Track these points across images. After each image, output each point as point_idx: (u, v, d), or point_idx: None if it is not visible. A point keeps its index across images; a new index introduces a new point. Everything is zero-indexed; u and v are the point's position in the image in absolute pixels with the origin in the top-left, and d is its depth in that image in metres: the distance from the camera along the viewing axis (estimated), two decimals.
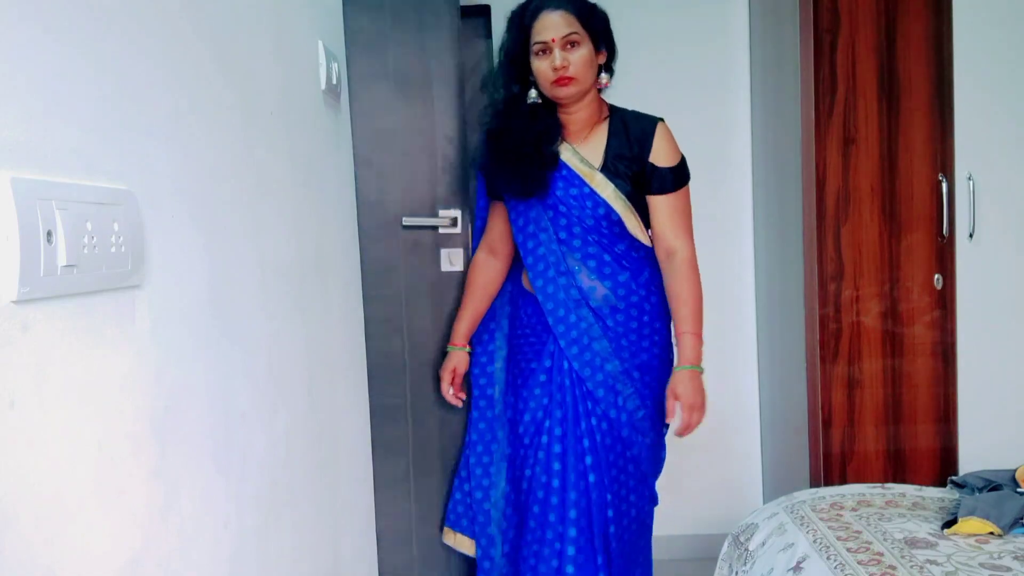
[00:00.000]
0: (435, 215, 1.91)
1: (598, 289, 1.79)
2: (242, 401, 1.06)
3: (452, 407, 1.91)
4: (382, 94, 1.81)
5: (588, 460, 1.78)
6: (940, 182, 2.20)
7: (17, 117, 0.62)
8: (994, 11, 2.18)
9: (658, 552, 2.49)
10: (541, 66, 1.72)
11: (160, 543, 0.81)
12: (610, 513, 1.78)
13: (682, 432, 1.74)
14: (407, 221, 1.86)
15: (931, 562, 1.51)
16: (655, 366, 1.85)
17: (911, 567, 1.50)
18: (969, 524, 1.66)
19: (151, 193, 0.82)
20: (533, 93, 1.78)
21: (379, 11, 1.75)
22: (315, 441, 1.40)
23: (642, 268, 1.82)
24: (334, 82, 1.59)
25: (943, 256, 2.21)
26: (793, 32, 2.34)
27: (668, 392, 1.75)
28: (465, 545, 1.91)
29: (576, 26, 1.70)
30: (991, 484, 1.92)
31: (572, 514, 1.77)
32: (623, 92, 2.80)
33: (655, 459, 1.88)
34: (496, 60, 1.84)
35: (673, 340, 1.87)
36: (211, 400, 0.96)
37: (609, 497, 1.79)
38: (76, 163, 0.70)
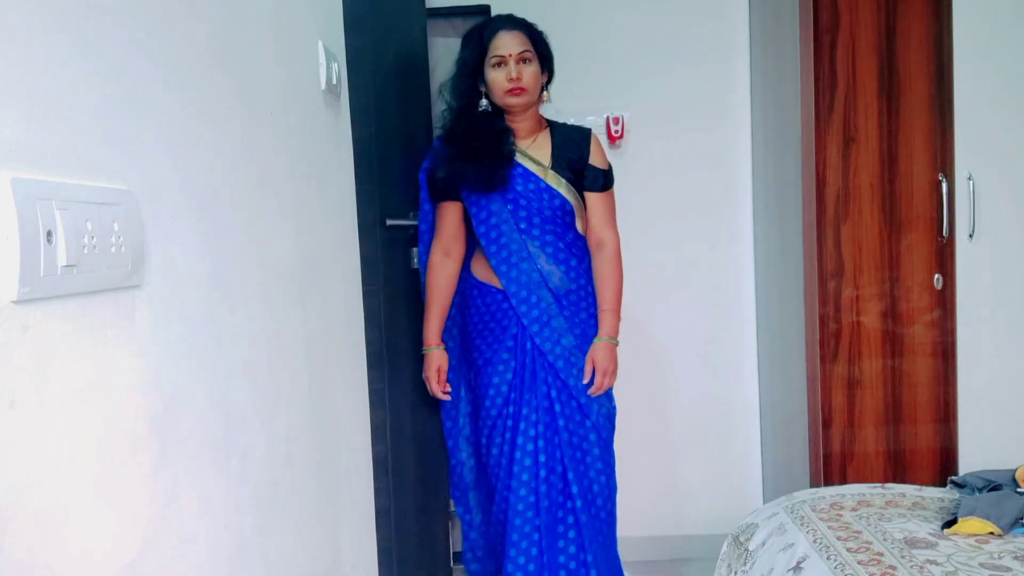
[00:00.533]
0: (407, 216, 2.10)
1: (555, 273, 2.04)
2: (242, 401, 1.06)
3: (423, 395, 2.14)
4: (365, 100, 1.86)
5: (540, 428, 2.03)
6: (940, 182, 2.20)
7: (17, 117, 0.62)
8: (994, 11, 2.18)
9: (658, 552, 2.50)
10: (497, 76, 1.99)
11: (160, 543, 0.81)
12: (571, 476, 2.01)
13: (593, 392, 2.00)
14: (390, 222, 1.95)
15: (931, 562, 1.51)
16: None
17: (911, 567, 1.50)
18: (969, 524, 1.66)
19: (151, 193, 0.82)
20: (484, 102, 2.04)
21: (363, 25, 1.81)
22: (315, 441, 1.40)
23: (584, 256, 2.10)
24: (334, 82, 1.59)
25: (943, 256, 2.21)
26: (793, 32, 2.34)
27: (588, 358, 2.02)
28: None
29: (528, 45, 2.00)
30: (991, 484, 1.92)
31: (526, 476, 2.02)
32: (624, 92, 2.81)
33: (610, 423, 2.10)
34: (454, 72, 2.07)
35: None
36: (211, 400, 0.96)
37: (567, 461, 2.02)
38: (76, 163, 0.70)
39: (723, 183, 2.85)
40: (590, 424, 2.04)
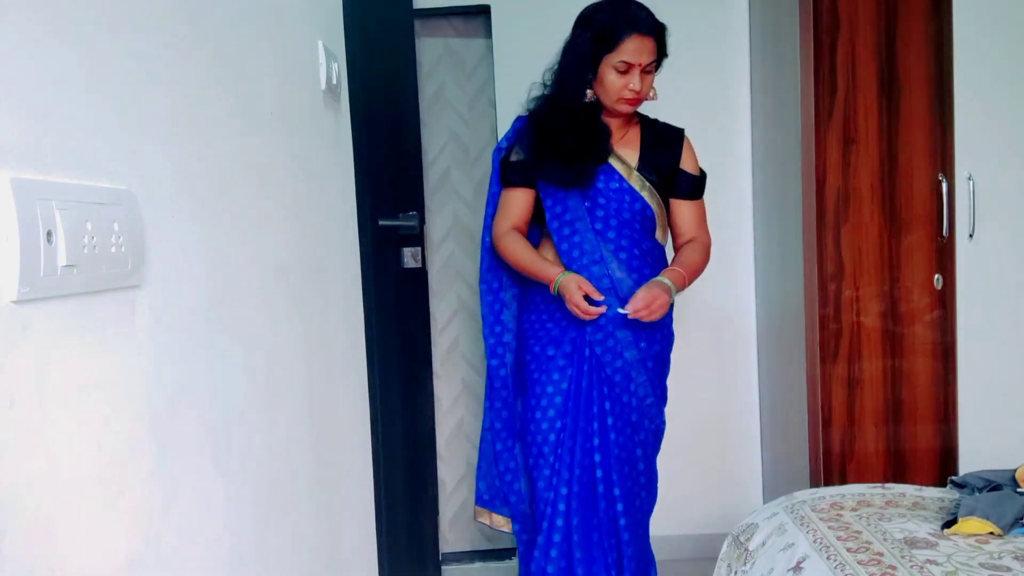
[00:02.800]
0: (396, 217, 2.08)
1: (625, 281, 1.91)
2: (242, 401, 1.06)
3: (413, 392, 2.12)
4: (354, 102, 1.87)
5: (596, 441, 1.92)
6: (940, 182, 2.20)
7: (17, 117, 0.62)
8: (994, 11, 2.18)
9: (658, 552, 2.49)
10: (616, 82, 1.85)
11: (160, 543, 0.81)
12: (616, 492, 1.92)
13: (629, 309, 1.82)
14: (383, 223, 1.96)
15: (931, 562, 1.51)
16: (663, 359, 2.00)
17: (911, 567, 1.49)
18: (969, 524, 1.66)
19: (151, 193, 0.82)
20: (590, 93, 1.90)
21: (351, 28, 1.83)
22: (315, 441, 1.40)
23: (658, 267, 1.96)
24: (334, 82, 1.59)
25: (943, 256, 2.21)
26: (793, 32, 2.34)
27: (641, 289, 1.84)
28: (500, 523, 2.09)
29: (655, 55, 1.87)
30: (991, 484, 1.92)
31: (564, 491, 1.93)
32: None
33: (657, 443, 2.03)
34: (562, 57, 1.92)
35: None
36: (211, 400, 0.96)
37: (615, 477, 1.92)
38: (76, 163, 0.70)
39: (723, 183, 2.84)
40: (638, 440, 1.96)
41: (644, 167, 1.94)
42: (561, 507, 1.92)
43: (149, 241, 0.81)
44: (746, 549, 1.87)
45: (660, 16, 2.92)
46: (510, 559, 2.90)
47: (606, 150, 1.92)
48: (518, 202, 1.98)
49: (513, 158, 1.96)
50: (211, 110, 1.00)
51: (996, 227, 2.21)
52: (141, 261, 0.79)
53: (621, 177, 1.92)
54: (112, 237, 0.73)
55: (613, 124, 1.95)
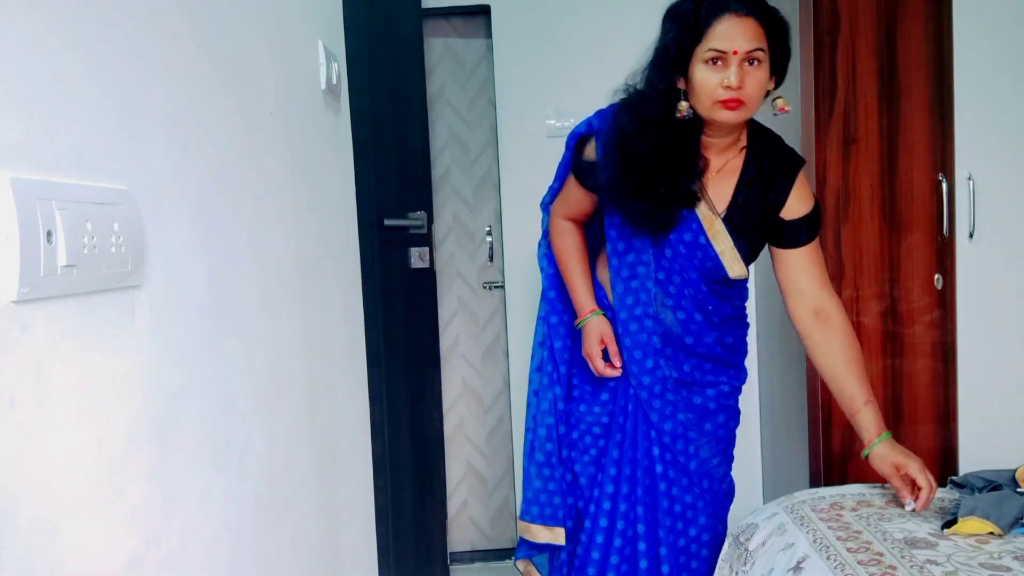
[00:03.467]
0: (404, 216, 2.05)
1: (680, 341, 1.63)
2: (242, 401, 1.06)
3: (420, 393, 2.01)
4: (361, 101, 1.87)
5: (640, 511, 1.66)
6: (940, 182, 2.20)
7: (17, 117, 0.62)
8: (994, 11, 2.18)
9: None
10: (708, 78, 1.42)
11: (160, 543, 0.81)
12: (665, 570, 1.68)
13: (926, 504, 1.54)
14: (388, 222, 1.95)
15: (931, 562, 1.51)
16: (722, 417, 1.76)
17: (911, 567, 1.49)
18: (969, 524, 1.66)
19: (151, 193, 0.82)
20: (684, 105, 1.46)
21: (356, 26, 1.81)
22: (315, 441, 1.40)
23: (730, 330, 1.66)
24: (334, 82, 1.59)
25: (943, 256, 2.21)
26: (793, 33, 2.34)
27: (891, 470, 1.55)
28: (560, 536, 1.72)
29: (763, 41, 1.43)
30: (991, 484, 1.92)
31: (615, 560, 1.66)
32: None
33: (728, 500, 1.81)
34: (649, 59, 1.53)
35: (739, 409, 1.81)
36: (211, 400, 0.96)
37: (664, 552, 1.66)
38: (76, 163, 0.70)
39: None
40: (707, 498, 1.71)
41: (731, 217, 1.55)
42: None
43: (149, 241, 0.81)
44: (746, 549, 1.87)
45: (660, 16, 2.92)
46: (509, 559, 2.90)
47: (694, 195, 1.52)
48: (580, 201, 1.65)
49: (588, 156, 1.59)
50: (211, 110, 1.00)
51: (996, 227, 2.21)
52: (141, 261, 0.79)
53: (700, 227, 1.53)
54: (112, 237, 0.73)
55: (715, 148, 1.54)
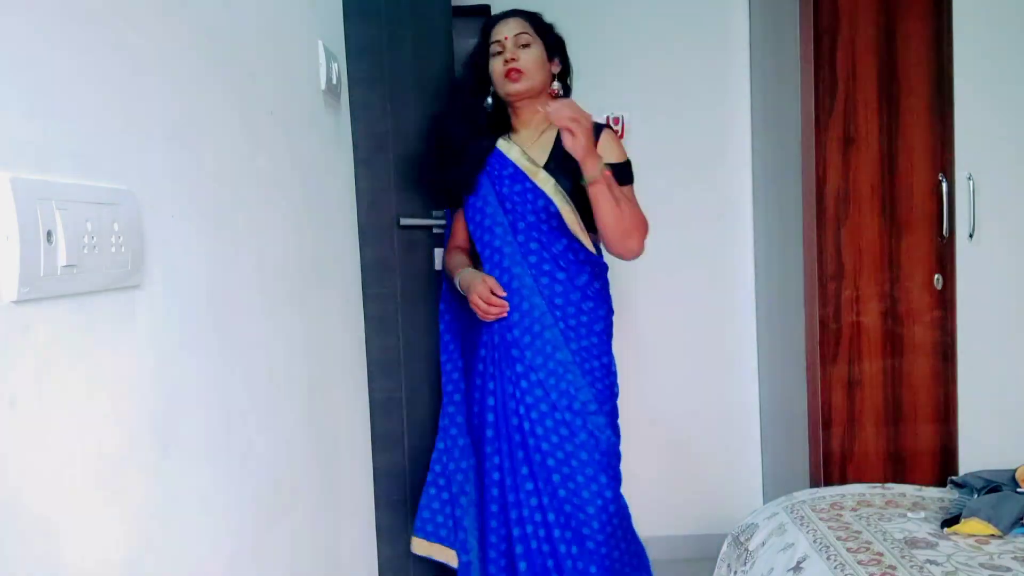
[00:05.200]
0: (428, 215, 1.98)
1: (541, 284, 1.86)
2: (242, 401, 1.06)
3: (437, 401, 1.99)
4: (378, 96, 1.83)
5: (524, 470, 1.85)
6: (940, 182, 2.20)
7: (17, 117, 0.62)
8: (994, 11, 2.18)
9: (658, 552, 2.49)
10: (496, 64, 1.88)
11: (160, 543, 0.81)
12: (551, 517, 1.83)
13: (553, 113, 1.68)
14: (405, 221, 1.89)
15: (931, 562, 1.51)
16: (597, 370, 1.87)
17: (911, 567, 1.50)
18: (970, 525, 1.66)
19: (151, 193, 0.82)
20: (488, 100, 1.92)
21: (376, 17, 1.78)
22: (315, 441, 1.40)
23: (580, 272, 1.87)
24: (334, 82, 1.59)
25: (943, 256, 2.21)
26: (793, 32, 2.34)
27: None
28: (446, 555, 1.89)
29: (527, 28, 1.88)
30: (991, 484, 1.92)
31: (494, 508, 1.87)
32: (623, 92, 2.81)
33: (612, 449, 1.85)
34: (460, 73, 1.99)
35: (611, 354, 1.92)
36: (211, 400, 0.96)
37: (545, 500, 1.83)
38: (76, 163, 0.70)
39: (723, 184, 2.85)
40: (579, 442, 1.81)
41: (553, 164, 1.85)
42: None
43: (149, 241, 0.81)
44: (746, 549, 1.87)
45: (660, 16, 2.92)
46: None
47: (480, 153, 1.90)
48: (457, 223, 2.00)
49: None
50: (211, 110, 1.00)
51: (996, 227, 2.21)
52: (141, 261, 0.79)
53: (525, 177, 1.87)
54: (112, 237, 0.73)
55: (527, 124, 1.93)
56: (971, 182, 2.19)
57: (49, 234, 0.64)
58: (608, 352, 1.91)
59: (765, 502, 2.74)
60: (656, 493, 2.84)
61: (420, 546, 1.90)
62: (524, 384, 1.84)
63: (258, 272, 1.15)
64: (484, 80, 1.92)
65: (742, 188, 2.84)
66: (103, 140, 0.74)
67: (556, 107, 1.68)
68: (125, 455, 0.75)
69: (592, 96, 2.82)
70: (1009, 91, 2.20)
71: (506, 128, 1.96)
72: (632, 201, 1.83)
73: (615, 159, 1.83)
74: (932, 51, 2.19)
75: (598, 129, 1.84)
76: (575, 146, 1.66)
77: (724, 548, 2.02)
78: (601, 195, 1.72)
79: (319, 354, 1.44)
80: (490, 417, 1.89)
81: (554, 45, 1.93)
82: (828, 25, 2.20)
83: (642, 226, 1.80)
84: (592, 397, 1.83)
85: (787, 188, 2.45)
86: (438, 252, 2.06)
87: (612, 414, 1.88)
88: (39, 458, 0.63)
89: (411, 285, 1.91)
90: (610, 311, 1.93)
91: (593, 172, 1.70)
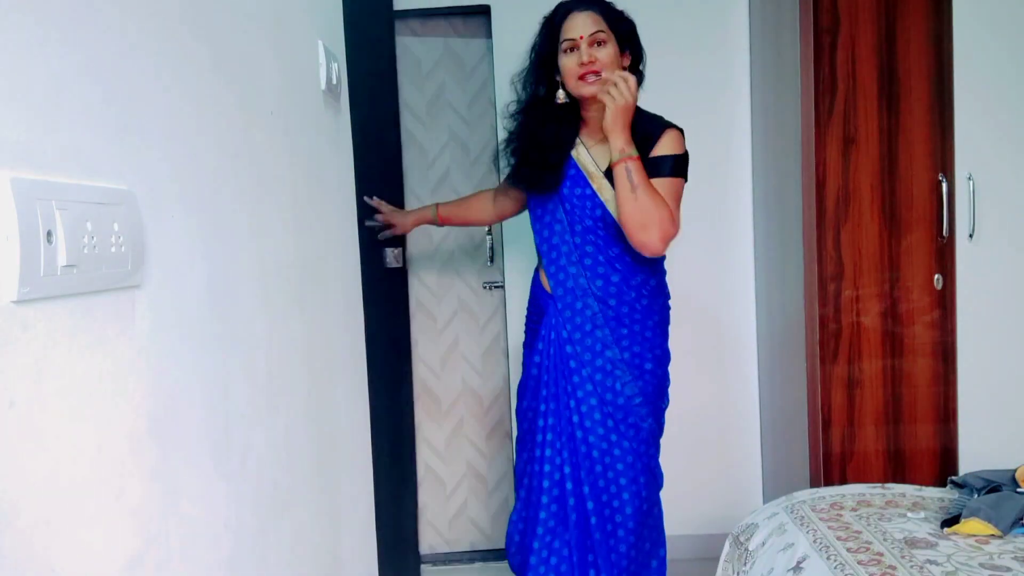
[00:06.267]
0: (372, 218, 2.10)
1: (593, 285, 1.91)
2: (242, 401, 1.06)
3: (397, 391, 2.16)
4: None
5: (565, 454, 1.93)
6: (940, 182, 2.20)
7: (17, 117, 0.62)
8: (994, 11, 2.19)
9: None
10: (569, 63, 1.84)
11: (160, 543, 0.81)
12: (590, 506, 1.91)
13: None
14: (368, 223, 2.00)
15: (931, 562, 1.51)
16: (649, 366, 1.94)
17: (911, 567, 1.50)
18: (970, 525, 1.66)
19: (151, 193, 0.82)
20: (561, 94, 1.88)
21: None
22: (315, 441, 1.40)
23: (635, 272, 1.90)
24: (334, 82, 1.59)
25: (943, 256, 2.21)
26: (793, 32, 2.34)
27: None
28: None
29: (603, 25, 1.83)
30: (991, 484, 1.92)
31: (545, 499, 1.94)
32: None
33: (655, 440, 1.96)
34: (526, 63, 1.96)
35: (666, 347, 1.98)
36: (211, 400, 0.96)
37: (587, 490, 1.91)
38: (76, 163, 0.70)
39: (723, 184, 2.85)
40: (628, 433, 1.91)
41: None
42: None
43: (149, 241, 0.81)
44: (746, 549, 1.87)
45: (660, 16, 2.93)
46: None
47: (560, 157, 1.91)
48: (508, 192, 2.12)
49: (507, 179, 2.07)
50: (211, 110, 1.00)
51: (996, 227, 2.21)
52: (141, 261, 0.79)
53: (586, 183, 1.89)
54: (112, 237, 0.73)
55: (597, 122, 1.87)
56: (971, 182, 2.19)
57: (49, 234, 0.64)
58: (661, 345, 1.95)
59: (765, 502, 2.74)
60: None
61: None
62: (576, 379, 1.91)
63: (258, 271, 1.15)
64: (552, 75, 1.91)
65: (742, 188, 2.84)
66: (103, 140, 0.74)
67: (611, 77, 1.74)
68: (125, 455, 0.75)
69: None
70: (1009, 91, 2.20)
71: (576, 119, 1.95)
72: (661, 197, 1.78)
73: (665, 152, 1.83)
74: (932, 51, 2.19)
75: (660, 129, 1.85)
76: (604, 119, 1.74)
77: (726, 548, 2.02)
78: (618, 178, 1.77)
79: (319, 354, 1.44)
80: (543, 408, 1.96)
81: (626, 36, 1.89)
82: (828, 25, 2.20)
83: (664, 223, 1.76)
84: (638, 391, 1.90)
85: (787, 188, 2.45)
86: (389, 252, 2.22)
87: (657, 405, 1.95)
88: (39, 458, 0.63)
89: (369, 283, 1.98)
90: (667, 301, 1.98)
91: (614, 152, 1.76)
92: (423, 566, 2.88)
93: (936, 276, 2.21)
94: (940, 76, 2.19)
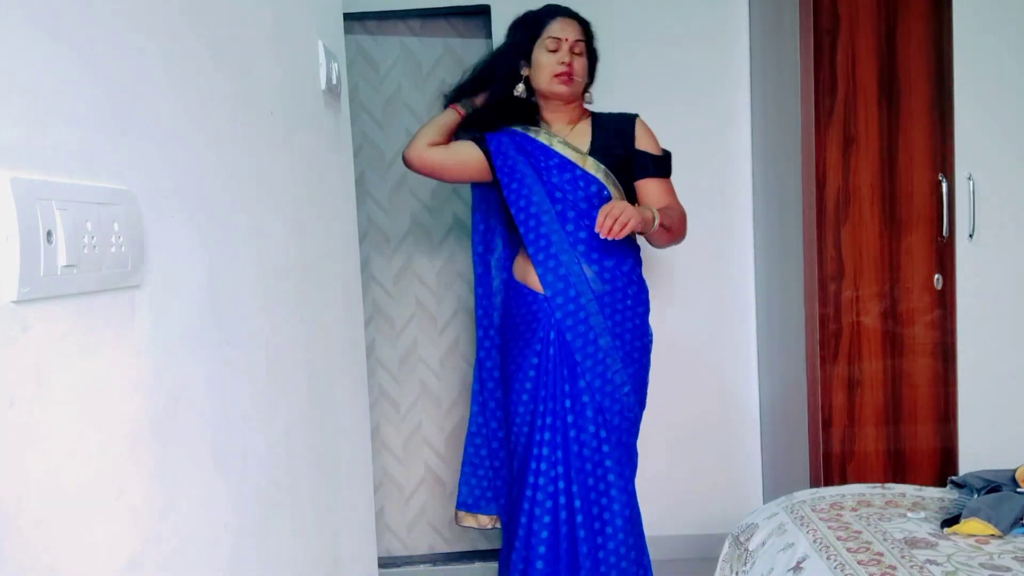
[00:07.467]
0: None
1: (588, 271, 1.97)
2: (242, 401, 1.06)
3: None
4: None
5: (560, 454, 1.98)
6: (940, 182, 2.20)
7: (17, 117, 0.62)
8: (994, 12, 2.18)
9: (658, 552, 2.49)
10: (548, 59, 1.95)
11: (160, 543, 0.81)
12: (577, 504, 1.96)
13: (600, 227, 1.77)
14: None
15: (931, 562, 1.51)
16: (636, 351, 2.02)
17: (911, 567, 1.49)
18: (970, 525, 1.66)
19: (151, 193, 0.82)
20: (520, 87, 2.01)
21: None
22: (315, 441, 1.40)
23: (626, 257, 1.99)
24: (334, 82, 1.59)
25: (943, 256, 2.21)
26: (793, 32, 2.34)
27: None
28: (484, 521, 2.19)
29: (583, 37, 1.99)
30: (991, 484, 1.92)
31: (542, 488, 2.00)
32: (623, 92, 2.81)
33: (634, 428, 2.05)
34: (495, 52, 2.07)
35: (651, 330, 2.08)
36: (211, 400, 0.96)
37: (575, 488, 1.96)
38: (76, 163, 0.70)
39: (723, 184, 2.85)
40: (614, 424, 1.98)
41: (597, 152, 1.97)
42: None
43: (149, 241, 0.81)
44: (746, 549, 1.87)
45: (660, 16, 2.93)
46: (470, 561, 2.90)
47: (537, 117, 2.01)
48: (470, 153, 2.06)
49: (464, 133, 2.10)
50: (211, 110, 1.00)
51: (996, 227, 2.21)
52: (141, 261, 0.79)
53: (574, 166, 1.96)
54: (112, 237, 0.73)
55: (561, 119, 2.02)
56: (971, 182, 2.19)
57: (49, 234, 0.64)
58: (648, 332, 2.06)
59: (765, 502, 2.74)
60: (656, 493, 2.84)
61: (465, 519, 2.17)
62: (570, 364, 1.96)
63: (258, 271, 1.15)
64: (519, 65, 2.01)
65: (742, 188, 2.84)
66: (103, 140, 0.74)
67: (599, 227, 1.77)
68: (125, 455, 0.75)
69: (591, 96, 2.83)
70: (1009, 91, 2.20)
71: (529, 117, 2.05)
72: (668, 203, 1.98)
73: (653, 151, 2.01)
74: (932, 52, 2.19)
75: (630, 120, 2.02)
76: (633, 228, 1.78)
77: (726, 548, 2.02)
78: (659, 236, 1.90)
79: (319, 353, 1.44)
80: (540, 408, 1.99)
81: (594, 56, 2.06)
82: (828, 25, 2.20)
83: (684, 217, 1.98)
84: (628, 379, 1.98)
85: (787, 188, 2.45)
86: None
87: (642, 389, 2.05)
88: (39, 458, 0.63)
89: None
90: (647, 294, 2.08)
91: (649, 228, 1.84)
92: (380, 570, 2.87)
93: (936, 276, 2.21)
94: (940, 76, 2.19)
